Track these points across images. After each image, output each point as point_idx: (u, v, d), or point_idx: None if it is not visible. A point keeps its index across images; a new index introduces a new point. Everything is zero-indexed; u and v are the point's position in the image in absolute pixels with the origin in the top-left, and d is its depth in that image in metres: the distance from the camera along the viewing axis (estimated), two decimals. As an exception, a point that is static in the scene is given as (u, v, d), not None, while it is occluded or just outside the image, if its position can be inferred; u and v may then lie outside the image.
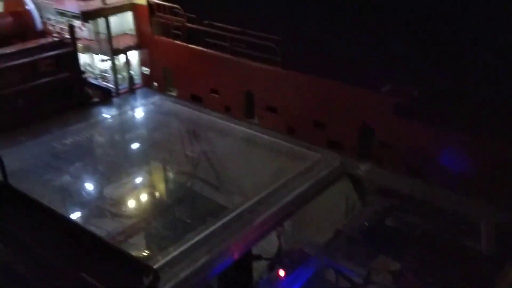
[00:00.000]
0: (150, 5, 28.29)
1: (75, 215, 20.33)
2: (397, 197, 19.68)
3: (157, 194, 22.96)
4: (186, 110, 28.14)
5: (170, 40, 27.96)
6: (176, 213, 20.96)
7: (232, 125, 25.99)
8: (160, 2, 27.71)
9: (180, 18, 27.20)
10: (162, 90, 30.03)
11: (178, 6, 27.01)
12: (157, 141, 25.79)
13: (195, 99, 28.31)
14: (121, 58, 30.33)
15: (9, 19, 28.20)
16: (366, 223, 18.39)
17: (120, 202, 21.57)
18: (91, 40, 30.32)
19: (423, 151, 19.64)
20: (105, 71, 30.92)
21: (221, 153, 24.40)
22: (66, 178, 22.31)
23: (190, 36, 27.17)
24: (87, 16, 27.31)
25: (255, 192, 19.42)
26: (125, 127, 27.30)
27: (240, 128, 25.57)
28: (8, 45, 27.23)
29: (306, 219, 21.23)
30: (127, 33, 30.47)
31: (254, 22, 24.85)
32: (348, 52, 22.82)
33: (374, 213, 19.07)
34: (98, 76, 31.19)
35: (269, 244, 20.15)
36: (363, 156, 21.45)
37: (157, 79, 30.15)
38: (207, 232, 16.86)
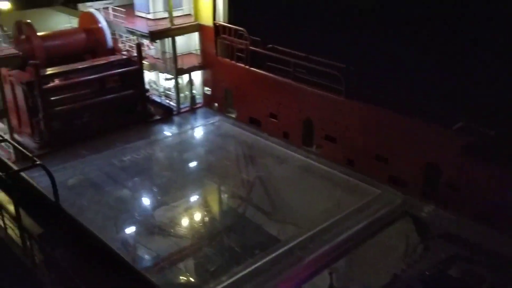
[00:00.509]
0: (216, 27, 28.44)
1: (127, 232, 20.38)
2: (463, 245, 18.05)
3: (208, 217, 22.61)
4: (244, 133, 27.85)
5: (233, 62, 27.90)
6: (225, 240, 20.45)
7: (290, 152, 25.35)
8: (226, 24, 27.78)
9: (244, 41, 27.10)
10: (222, 111, 29.99)
11: (243, 29, 26.93)
12: (214, 162, 25.61)
13: (254, 122, 27.97)
14: (185, 78, 30.70)
15: (83, 35, 29.36)
16: (427, 272, 16.91)
17: (171, 223, 21.39)
18: (158, 58, 30.97)
19: (495, 196, 17.96)
20: (169, 89, 31.40)
21: (277, 180, 23.77)
22: (122, 194, 22.55)
23: (253, 59, 26.96)
24: (155, 36, 27.88)
25: (308, 225, 18.53)
26: (183, 147, 27.39)
27: (297, 156, 24.88)
28: (80, 60, 28.38)
29: (361, 258, 19.98)
30: (192, 53, 30.84)
31: (319, 48, 24.23)
32: (417, 84, 21.55)
33: (436, 261, 17.53)
34: (162, 93, 31.73)
35: (319, 280, 19.13)
36: (427, 197, 20.02)
37: (218, 100, 30.17)
38: (255, 266, 16.20)
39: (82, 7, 32.57)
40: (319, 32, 25.07)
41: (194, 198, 23.39)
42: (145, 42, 30.20)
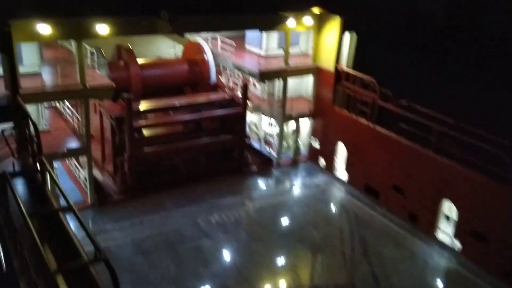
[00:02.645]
0: (338, 72, 23.87)
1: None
2: None
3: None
4: (357, 204, 22.72)
5: (354, 115, 23.06)
6: None
7: (417, 240, 19.79)
8: (351, 70, 23.07)
9: (371, 93, 22.20)
10: (330, 170, 25.14)
11: (372, 79, 22.04)
12: (314, 237, 20.62)
13: (370, 192, 22.75)
14: (291, 124, 26.37)
15: (185, 67, 26.23)
16: None
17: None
18: (263, 100, 27.06)
19: None
20: (270, 136, 27.26)
21: (392, 275, 18.18)
22: (200, 258, 18.38)
23: (380, 116, 21.93)
24: (265, 76, 23.91)
25: None
26: (279, 210, 22.73)
27: (427, 248, 19.24)
28: (178, 92, 25.18)
29: None
30: (301, 98, 26.49)
31: (473, 115, 18.68)
32: None
33: None
34: (261, 139, 27.65)
35: None
36: None
37: (326, 156, 25.39)
38: None
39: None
40: (475, 92, 19.44)
41: (284, 272, 18.57)
42: (252, 79, 26.53)
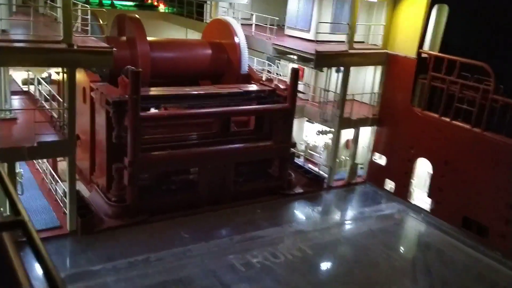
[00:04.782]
0: (422, 60, 17.48)
1: None
2: None
3: None
4: (452, 243, 15.92)
5: (446, 118, 16.55)
6: None
7: None
8: (447, 56, 16.61)
9: (477, 85, 15.77)
10: (402, 195, 18.38)
11: (484, 65, 15.54)
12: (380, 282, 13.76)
13: (470, 227, 16.01)
14: (345, 134, 19.72)
15: (208, 51, 19.66)
16: None
17: None
18: (306, 100, 20.52)
19: None
20: (318, 148, 20.59)
21: None
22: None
23: (491, 120, 15.45)
24: (323, 61, 17.25)
25: None
26: (337, 249, 15.80)
27: None
28: (193, 86, 18.43)
29: None
30: (353, 100, 19.86)
31: None
32: None
33: None
34: (304, 153, 20.97)
35: None
36: None
37: (397, 177, 18.68)
38: None
39: (209, 18, 23.52)
40: None
41: None
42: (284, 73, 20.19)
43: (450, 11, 17.61)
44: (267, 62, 22.72)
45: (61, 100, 13.81)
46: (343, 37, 19.18)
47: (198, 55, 19.56)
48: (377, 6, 20.08)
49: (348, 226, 17.21)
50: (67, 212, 13.93)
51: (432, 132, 17.16)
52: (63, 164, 16.81)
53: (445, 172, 16.80)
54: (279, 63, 22.75)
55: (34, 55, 11.84)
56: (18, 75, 18.92)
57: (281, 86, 18.06)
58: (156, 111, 16.03)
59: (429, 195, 17.51)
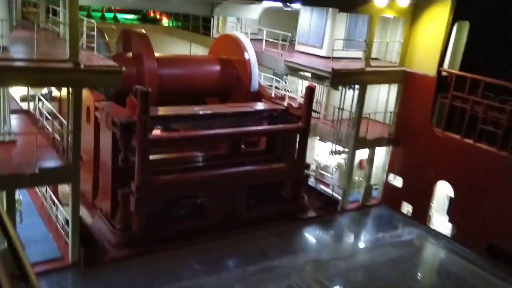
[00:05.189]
0: (442, 79, 16.72)
1: None
2: None
3: None
4: (474, 272, 15.00)
5: (470, 141, 15.74)
6: None
7: None
8: (470, 75, 15.83)
9: (504, 106, 14.99)
10: (420, 219, 17.50)
11: (510, 85, 14.78)
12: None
13: (496, 255, 15.14)
14: (359, 154, 18.86)
15: (217, 67, 18.85)
16: None
17: None
18: (318, 118, 19.69)
19: None
20: (330, 168, 19.72)
21: None
22: None
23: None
24: (339, 79, 16.42)
25: None
26: (355, 279, 14.94)
27: None
28: (200, 104, 17.48)
29: None
30: (366, 119, 19.00)
31: None
32: None
33: None
34: (315, 173, 20.08)
35: None
36: None
37: (415, 200, 17.81)
38: None
39: (217, 33, 22.77)
40: None
41: None
42: (299, 93, 19.45)
43: (471, 28, 16.90)
44: (274, 78, 21.98)
45: (63, 120, 12.89)
46: (356, 54, 18.53)
47: (207, 71, 18.74)
48: (392, 22, 19.41)
49: (366, 253, 16.23)
50: (69, 242, 12.93)
51: (454, 154, 16.34)
52: (64, 187, 15.93)
53: (469, 196, 15.93)
54: (286, 79, 22.02)
55: (38, 75, 10.94)
56: (16, 91, 18.01)
57: (294, 105, 17.26)
58: (158, 131, 15.16)
59: (451, 220, 16.64)
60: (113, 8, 32.03)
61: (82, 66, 11.36)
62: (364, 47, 16.95)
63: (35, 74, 11.00)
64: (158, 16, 33.12)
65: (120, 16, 32.38)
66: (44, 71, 10.95)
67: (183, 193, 15.31)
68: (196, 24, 24.63)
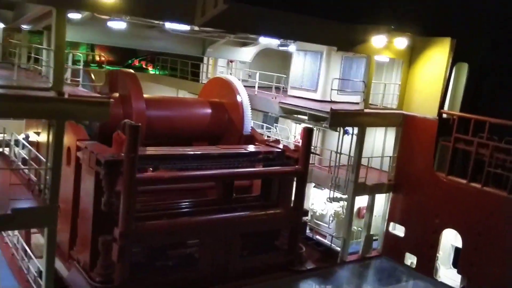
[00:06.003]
0: (443, 121, 16.15)
1: None
2: None
3: None
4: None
5: (477, 186, 14.91)
6: None
7: None
8: (474, 116, 15.24)
9: (510, 147, 14.35)
10: (425, 271, 16.26)
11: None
12: None
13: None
14: (359, 201, 17.81)
15: (207, 110, 18.00)
16: None
17: None
18: (312, 163, 18.71)
19: None
20: (326, 217, 18.59)
21: None
22: None
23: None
24: (339, 120, 15.68)
25: None
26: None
27: None
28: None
29: None
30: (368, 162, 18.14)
31: None
32: None
33: None
34: (310, 222, 18.86)
35: None
36: None
37: (419, 250, 16.64)
38: None
39: (206, 78, 22.24)
40: None
41: None
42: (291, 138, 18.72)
43: (470, 69, 16.60)
44: (265, 124, 21.30)
45: (41, 157, 11.65)
46: (350, 98, 18.11)
47: (197, 114, 17.86)
48: (387, 67, 19.14)
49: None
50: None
51: (460, 200, 15.43)
52: (37, 238, 14.41)
53: (479, 245, 14.87)
54: (277, 126, 21.36)
55: (17, 104, 9.83)
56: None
57: (293, 147, 16.41)
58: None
59: (460, 271, 15.45)
60: (98, 58, 31.57)
61: (66, 95, 10.33)
62: (362, 87, 16.38)
63: (14, 103, 9.89)
64: (143, 66, 32.72)
65: (106, 67, 31.81)
66: (23, 100, 9.86)
67: (172, 241, 13.91)
68: (184, 72, 24.11)
